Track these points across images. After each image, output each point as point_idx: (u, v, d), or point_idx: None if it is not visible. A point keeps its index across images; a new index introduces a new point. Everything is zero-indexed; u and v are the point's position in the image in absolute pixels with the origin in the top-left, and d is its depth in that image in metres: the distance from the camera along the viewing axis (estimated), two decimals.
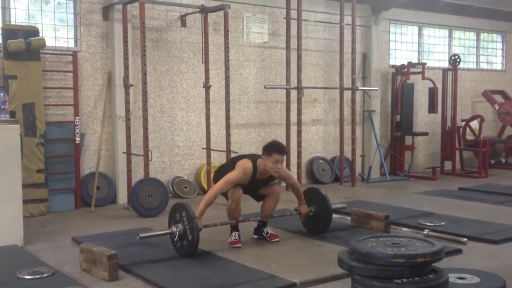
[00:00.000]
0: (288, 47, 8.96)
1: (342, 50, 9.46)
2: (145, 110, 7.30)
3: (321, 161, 9.95)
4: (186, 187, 8.41)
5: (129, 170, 7.61)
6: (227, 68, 7.96)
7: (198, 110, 8.60)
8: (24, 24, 7.35)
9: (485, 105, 12.22)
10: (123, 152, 7.69)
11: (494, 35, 13.12)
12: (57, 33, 7.73)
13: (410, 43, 11.54)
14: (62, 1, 7.73)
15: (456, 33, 12.38)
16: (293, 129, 9.05)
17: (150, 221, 6.72)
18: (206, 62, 8.01)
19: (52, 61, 7.52)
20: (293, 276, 4.46)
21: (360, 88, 9.99)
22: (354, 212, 6.32)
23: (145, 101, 7.29)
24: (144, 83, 7.27)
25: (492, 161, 11.27)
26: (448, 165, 11.10)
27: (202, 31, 8.00)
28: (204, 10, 7.96)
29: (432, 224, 6.17)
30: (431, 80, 10.54)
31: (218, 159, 8.54)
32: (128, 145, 7.58)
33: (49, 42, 7.31)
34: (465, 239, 5.50)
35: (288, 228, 6.09)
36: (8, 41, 6.80)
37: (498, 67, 13.23)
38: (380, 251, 3.26)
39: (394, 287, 3.19)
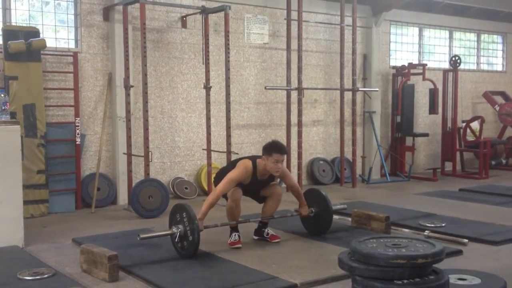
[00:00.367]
0: (288, 48, 8.97)
1: (342, 51, 9.46)
2: (145, 111, 7.30)
3: (321, 162, 9.94)
4: (186, 188, 8.41)
5: (129, 171, 7.61)
6: (227, 69, 7.97)
7: (199, 111, 8.60)
8: (25, 25, 7.36)
9: (486, 106, 12.21)
10: (124, 153, 7.69)
11: (495, 36, 13.12)
12: (58, 34, 7.74)
13: (410, 44, 11.54)
14: (62, 2, 7.74)
15: (457, 34, 12.38)
16: (294, 130, 9.05)
17: (150, 222, 6.72)
18: (206, 63, 8.02)
19: (53, 62, 7.52)
20: (294, 277, 4.46)
21: (360, 89, 9.99)
22: (355, 213, 6.32)
23: (145, 102, 7.29)
24: (145, 84, 7.27)
25: (493, 162, 11.27)
26: (448, 166, 11.10)
27: (202, 32, 8.01)
28: (204, 11, 7.96)
29: (432, 225, 6.17)
30: (432, 81, 10.54)
31: (219, 160, 8.55)
32: (129, 146, 7.58)
33: (50, 43, 7.32)
34: (465, 240, 5.50)
35: (289, 229, 6.09)
36: (9, 42, 6.80)
37: (499, 68, 13.23)
38: (380, 252, 3.26)
39: None
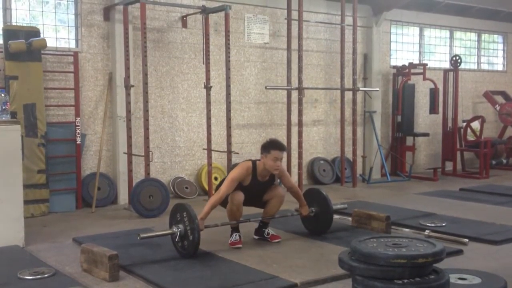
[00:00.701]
0: (289, 48, 8.96)
1: (343, 51, 9.46)
2: (146, 110, 7.30)
3: (322, 161, 9.94)
4: (187, 188, 8.41)
5: (130, 171, 7.61)
6: (228, 69, 7.97)
7: (199, 110, 8.60)
8: (25, 24, 7.36)
9: (486, 106, 12.21)
10: (124, 153, 7.69)
11: (495, 35, 13.12)
12: (58, 33, 7.74)
13: (411, 44, 11.53)
14: (63, 1, 7.74)
15: (457, 34, 12.38)
16: (294, 129, 9.05)
17: (151, 221, 6.72)
18: (207, 62, 8.02)
19: (53, 62, 7.52)
20: (294, 276, 4.46)
21: (361, 88, 9.98)
22: (355, 213, 6.32)
23: (146, 101, 7.29)
24: (145, 83, 7.27)
25: (493, 162, 11.26)
26: (449, 165, 11.10)
27: (203, 31, 8.01)
28: (205, 11, 7.96)
29: (433, 225, 6.17)
30: (432, 81, 10.54)
31: (219, 159, 8.55)
32: (129, 145, 7.58)
33: (50, 43, 7.31)
34: (466, 240, 5.50)
35: (289, 229, 6.09)
36: (9, 41, 6.80)
37: (499, 67, 13.23)
38: (381, 252, 3.26)
39: None
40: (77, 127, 7.48)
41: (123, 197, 7.80)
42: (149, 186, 7.09)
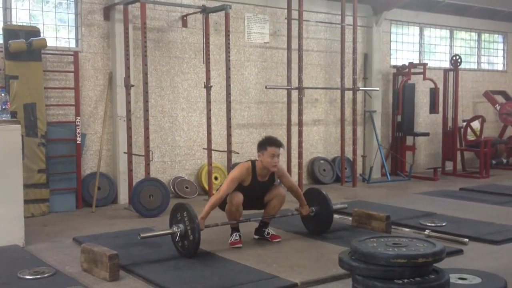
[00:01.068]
0: (289, 48, 8.96)
1: (343, 51, 9.46)
2: (146, 110, 7.30)
3: (322, 161, 9.94)
4: (187, 187, 8.41)
5: (130, 170, 7.61)
6: (228, 69, 7.97)
7: (199, 110, 8.60)
8: (25, 24, 7.36)
9: (486, 106, 12.21)
10: (124, 152, 7.69)
11: (495, 35, 13.11)
12: (58, 33, 7.74)
13: (411, 44, 11.53)
14: (63, 1, 7.74)
15: (457, 34, 12.38)
16: (294, 129, 9.04)
17: (151, 221, 6.72)
18: (207, 62, 8.02)
19: (53, 61, 7.52)
20: (294, 276, 4.46)
21: (361, 88, 9.98)
22: (355, 213, 6.32)
23: (146, 101, 7.29)
24: (145, 83, 7.27)
25: (493, 162, 11.26)
26: (449, 165, 11.09)
27: (203, 31, 8.01)
28: (205, 11, 7.96)
29: (433, 225, 6.17)
30: (432, 81, 10.54)
31: (219, 159, 8.55)
32: (129, 145, 7.58)
33: (50, 43, 7.31)
34: (466, 240, 5.50)
35: (289, 229, 6.09)
36: (9, 41, 6.80)
37: (499, 67, 13.23)
38: (381, 252, 3.26)
39: None
40: (77, 127, 7.48)
41: (123, 196, 7.80)
42: (149, 186, 7.09)
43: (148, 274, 4.53)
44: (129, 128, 7.58)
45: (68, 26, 7.79)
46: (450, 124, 11.06)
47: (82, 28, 7.71)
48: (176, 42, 8.43)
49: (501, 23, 12.69)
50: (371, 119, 10.41)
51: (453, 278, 3.96)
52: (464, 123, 11.11)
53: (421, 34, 11.65)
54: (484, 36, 12.88)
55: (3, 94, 5.82)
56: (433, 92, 10.62)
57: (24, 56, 6.92)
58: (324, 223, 5.84)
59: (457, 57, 10.99)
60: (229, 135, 8.01)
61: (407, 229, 6.10)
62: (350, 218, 6.42)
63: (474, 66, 12.67)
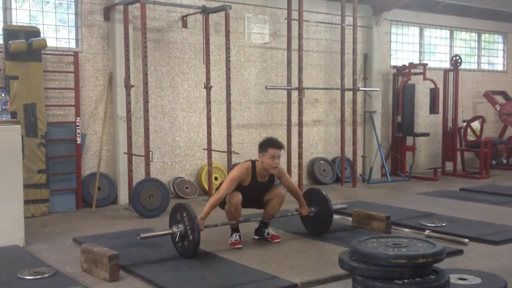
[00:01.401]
0: (289, 48, 8.96)
1: (343, 51, 9.46)
2: (146, 110, 7.30)
3: (322, 161, 9.94)
4: (187, 188, 8.41)
5: (130, 171, 7.61)
6: (228, 69, 7.97)
7: (199, 110, 8.60)
8: (26, 24, 7.36)
9: (486, 106, 12.21)
10: (124, 153, 7.69)
11: (496, 36, 13.11)
12: (58, 33, 7.74)
13: (411, 44, 11.53)
14: (63, 1, 7.74)
15: (458, 34, 12.38)
16: (294, 129, 9.04)
17: (151, 221, 6.72)
18: (207, 62, 8.02)
19: (53, 62, 7.52)
20: (294, 276, 4.46)
21: (361, 88, 9.98)
22: (355, 213, 6.31)
23: (146, 101, 7.29)
24: (145, 83, 7.27)
25: (494, 162, 11.26)
26: (449, 165, 11.09)
27: (203, 31, 8.01)
28: (205, 11, 7.96)
29: (433, 225, 6.17)
30: (432, 81, 10.54)
31: (219, 159, 8.55)
32: (129, 145, 7.58)
33: (50, 43, 7.32)
34: (466, 240, 5.50)
35: (289, 229, 6.09)
36: (10, 41, 6.80)
37: (499, 68, 13.23)
38: (381, 252, 3.26)
39: None
40: (77, 127, 7.48)
41: (123, 197, 7.80)
42: (149, 186, 7.09)
43: (148, 274, 4.53)
44: (129, 129, 7.59)
45: (68, 26, 7.79)
46: (450, 124, 11.06)
47: (82, 29, 7.71)
48: (176, 43, 8.43)
49: (501, 23, 12.69)
50: (371, 119, 10.41)
51: (453, 278, 3.96)
52: (464, 124, 11.11)
53: (421, 35, 11.66)
54: (484, 37, 12.88)
55: (3, 95, 5.82)
56: (433, 93, 10.62)
57: (24, 57, 6.92)
58: (324, 224, 5.84)
59: (457, 57, 10.99)
60: (229, 136, 8.02)
61: (407, 230, 6.10)
62: (350, 219, 6.42)
63: (474, 66, 12.67)
